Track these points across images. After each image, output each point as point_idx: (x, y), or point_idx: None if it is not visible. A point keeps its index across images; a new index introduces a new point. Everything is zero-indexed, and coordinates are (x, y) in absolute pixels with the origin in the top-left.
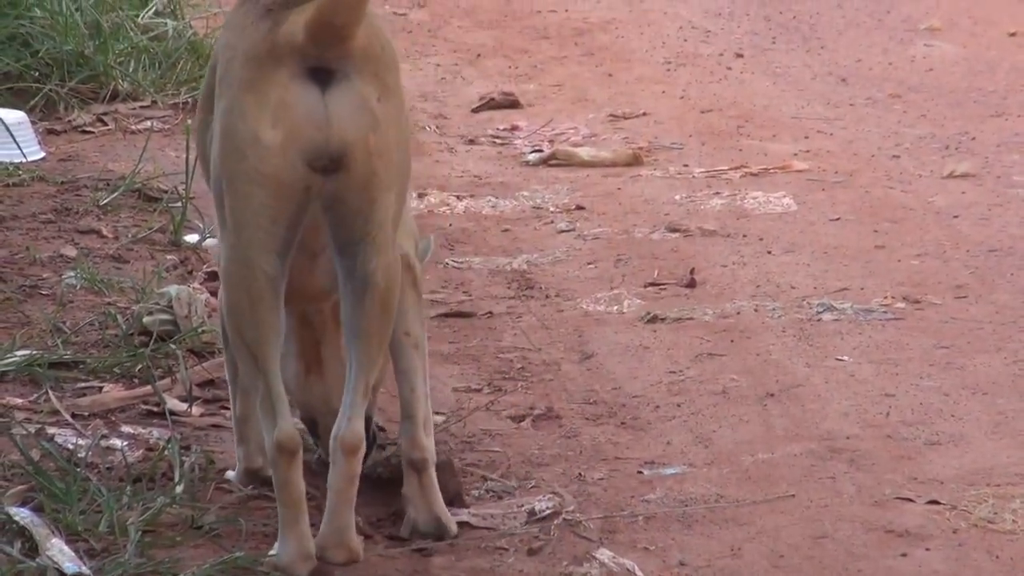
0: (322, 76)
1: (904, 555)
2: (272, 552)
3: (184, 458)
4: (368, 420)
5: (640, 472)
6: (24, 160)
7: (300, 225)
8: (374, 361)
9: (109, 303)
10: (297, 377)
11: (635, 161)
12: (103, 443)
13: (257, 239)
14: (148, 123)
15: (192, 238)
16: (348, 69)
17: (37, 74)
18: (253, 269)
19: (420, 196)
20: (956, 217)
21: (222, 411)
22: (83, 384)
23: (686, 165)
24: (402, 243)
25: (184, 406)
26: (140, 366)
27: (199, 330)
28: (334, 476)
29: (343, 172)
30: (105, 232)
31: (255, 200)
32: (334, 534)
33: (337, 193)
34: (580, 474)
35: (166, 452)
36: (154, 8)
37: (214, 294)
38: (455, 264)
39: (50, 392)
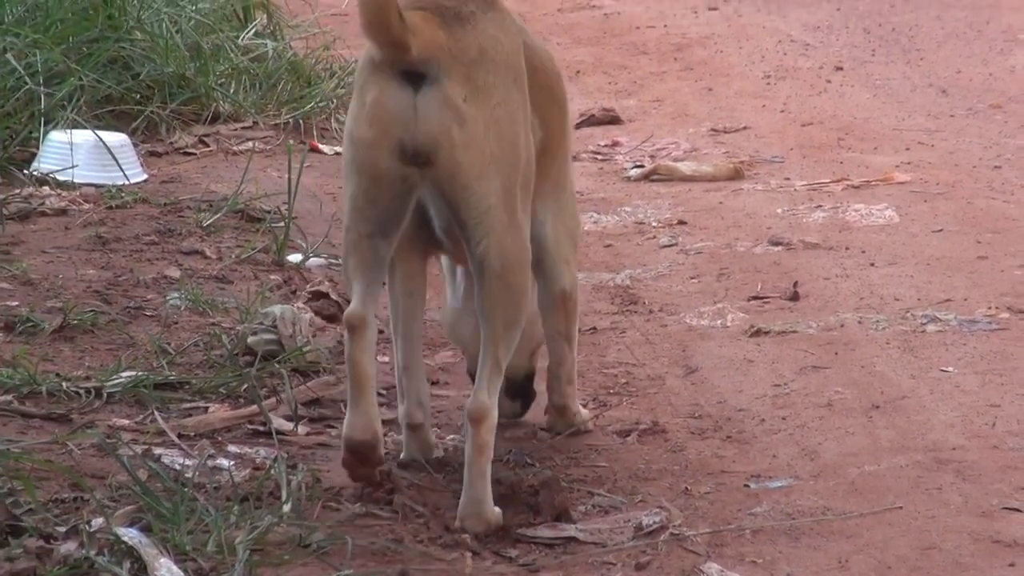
0: (415, 79)
1: (1012, 565)
2: None
3: (291, 477)
4: (529, 378)
5: (746, 485)
6: (127, 182)
7: (404, 208)
8: (500, 338)
9: (213, 323)
10: (453, 314)
11: (736, 175)
12: (209, 463)
13: (355, 214)
14: (249, 144)
15: (295, 258)
16: (437, 72)
17: (138, 96)
18: (351, 230)
19: None
20: None
21: (328, 430)
22: (189, 404)
23: (787, 178)
24: (564, 275)
25: (290, 425)
26: (245, 386)
27: (304, 349)
28: (467, 448)
29: (433, 165)
30: (208, 253)
31: (357, 185)
32: (469, 504)
33: (434, 183)
34: (686, 488)
35: (272, 471)
36: (254, 29)
37: (318, 313)
38: None
39: (156, 413)
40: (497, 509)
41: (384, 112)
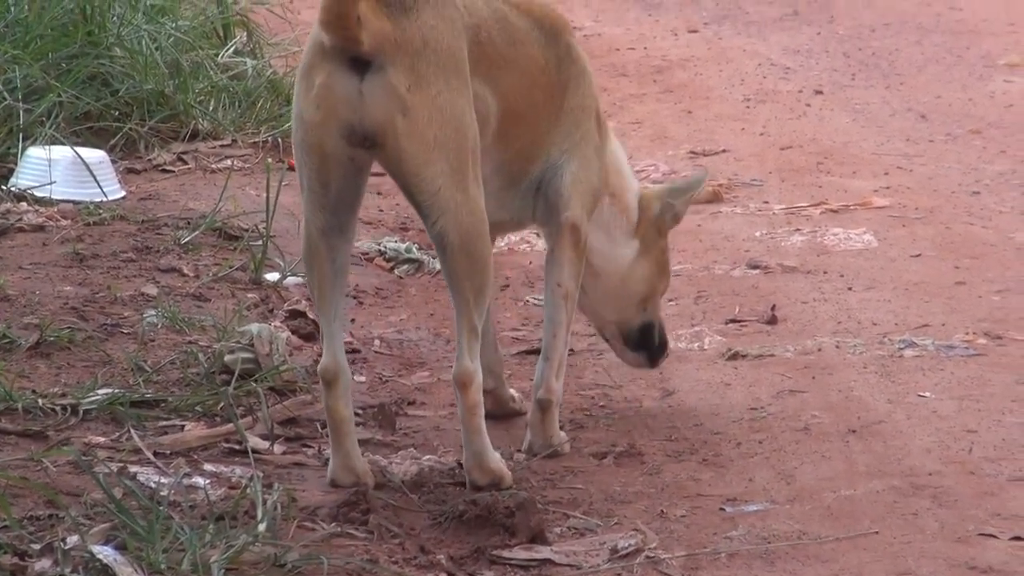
0: (361, 65)
1: None
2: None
3: (266, 496)
4: (647, 328)
5: (722, 509)
6: (105, 199)
7: (356, 192)
8: (472, 305)
9: (190, 341)
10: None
11: (715, 198)
12: (185, 481)
13: (311, 199)
14: (228, 162)
15: (273, 276)
16: (383, 61)
17: (117, 113)
18: (309, 224)
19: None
20: None
21: (304, 449)
22: (165, 422)
23: (766, 202)
24: (574, 206)
25: (266, 444)
26: (222, 404)
27: (280, 368)
28: (459, 410)
29: (379, 148)
30: (186, 271)
31: (308, 167)
32: (471, 458)
33: (384, 165)
34: (662, 511)
35: (248, 490)
36: (234, 47)
37: (295, 332)
38: (536, 301)
39: (132, 431)
40: (502, 462)
41: (331, 95)
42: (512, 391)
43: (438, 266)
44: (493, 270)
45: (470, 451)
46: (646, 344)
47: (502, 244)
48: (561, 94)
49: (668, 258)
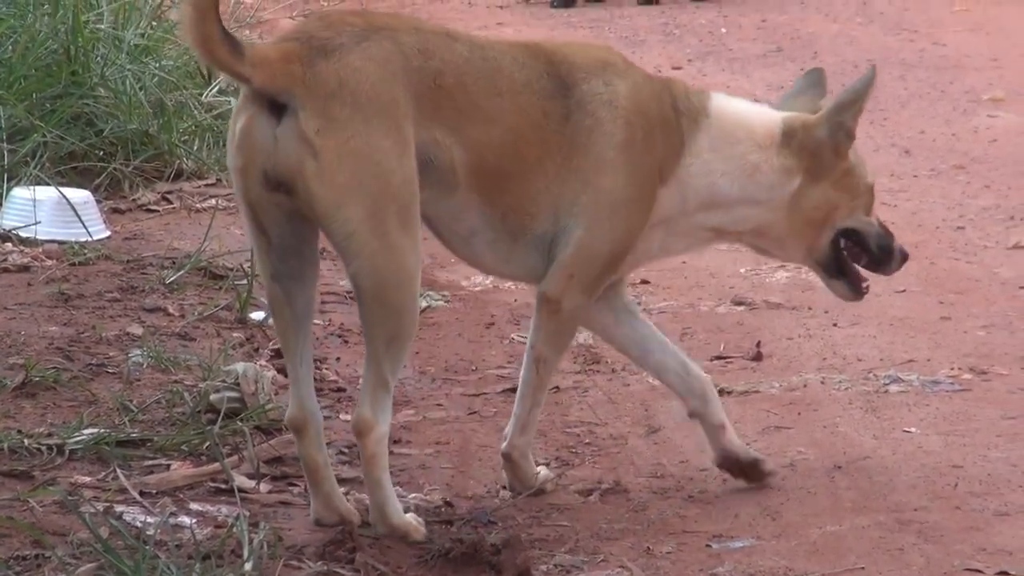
0: (279, 109)
1: None
2: None
3: (252, 535)
4: (834, 256)
5: (708, 545)
6: (90, 239)
7: (295, 238)
8: (383, 355)
9: (176, 381)
10: None
11: None
12: (171, 520)
13: (254, 244)
14: (212, 201)
15: (258, 315)
16: (295, 104)
17: (102, 153)
18: (261, 269)
19: None
20: (1022, 288)
21: (290, 488)
22: (151, 462)
23: None
24: (553, 279)
25: (252, 483)
26: (207, 443)
27: (266, 407)
28: (362, 460)
29: (293, 193)
30: (171, 310)
31: (244, 215)
32: (373, 510)
33: (299, 210)
34: (648, 548)
35: (234, 529)
36: (217, 86)
37: (280, 371)
38: (521, 339)
39: (118, 470)
40: (408, 515)
41: (249, 140)
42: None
43: (424, 304)
44: (413, 322)
45: (372, 503)
46: (842, 271)
47: (487, 282)
48: (566, 151)
49: (855, 176)
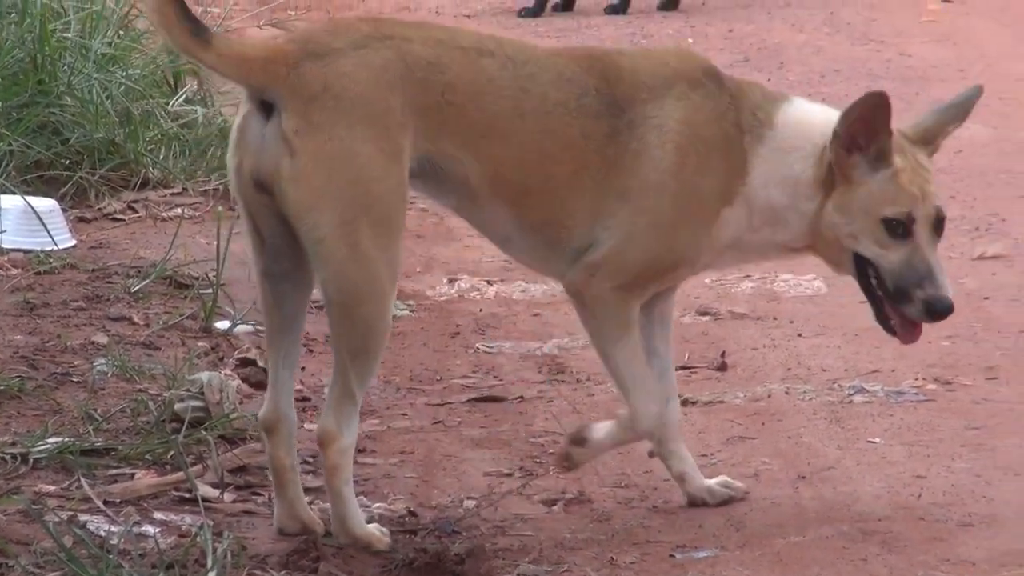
0: (268, 110)
1: None
2: None
3: (216, 544)
4: (862, 258)
5: (672, 556)
6: (55, 248)
7: (285, 240)
8: (349, 366)
9: (140, 390)
10: None
11: None
12: (135, 530)
13: (248, 240)
14: (178, 210)
15: (223, 324)
16: (281, 104)
17: (68, 162)
18: (255, 270)
19: (451, 281)
20: (987, 299)
21: (254, 497)
22: (115, 471)
23: None
24: (576, 271)
25: (216, 492)
26: (172, 453)
27: (231, 416)
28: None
29: (272, 194)
30: (136, 319)
31: (241, 213)
32: (334, 521)
33: (279, 210)
34: (612, 558)
35: (198, 538)
36: (184, 95)
37: (245, 380)
38: (486, 349)
39: (82, 479)
40: (371, 526)
41: (243, 138)
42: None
43: None
44: (381, 337)
45: (333, 513)
46: (865, 292)
47: (452, 292)
48: (606, 171)
49: (856, 200)
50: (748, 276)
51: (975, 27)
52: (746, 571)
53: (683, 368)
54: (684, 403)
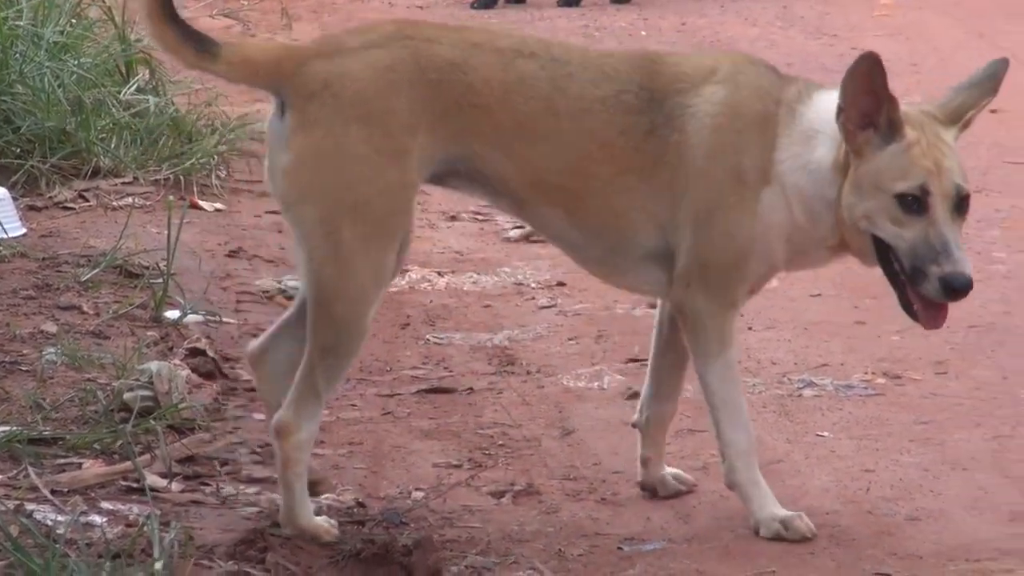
0: (284, 108)
1: None
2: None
3: (163, 534)
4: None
5: (620, 548)
6: (5, 236)
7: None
8: (317, 363)
9: (89, 379)
10: None
11: None
12: (82, 519)
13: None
14: (129, 199)
15: (173, 314)
16: (288, 102)
17: (19, 150)
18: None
19: (402, 272)
20: None
21: (202, 487)
22: (63, 460)
23: None
24: (675, 288)
25: (164, 482)
26: (120, 442)
27: (179, 406)
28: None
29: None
30: (86, 308)
31: None
32: (283, 511)
33: None
34: (560, 550)
35: (145, 528)
36: (136, 84)
37: (195, 370)
38: (436, 340)
39: (29, 468)
40: (319, 518)
41: (268, 135)
42: (669, 471)
43: None
44: (355, 341)
45: (283, 504)
46: (888, 278)
47: (402, 283)
48: (650, 167)
49: (867, 176)
50: None
51: (928, 21)
52: (693, 564)
53: (633, 361)
54: (634, 395)
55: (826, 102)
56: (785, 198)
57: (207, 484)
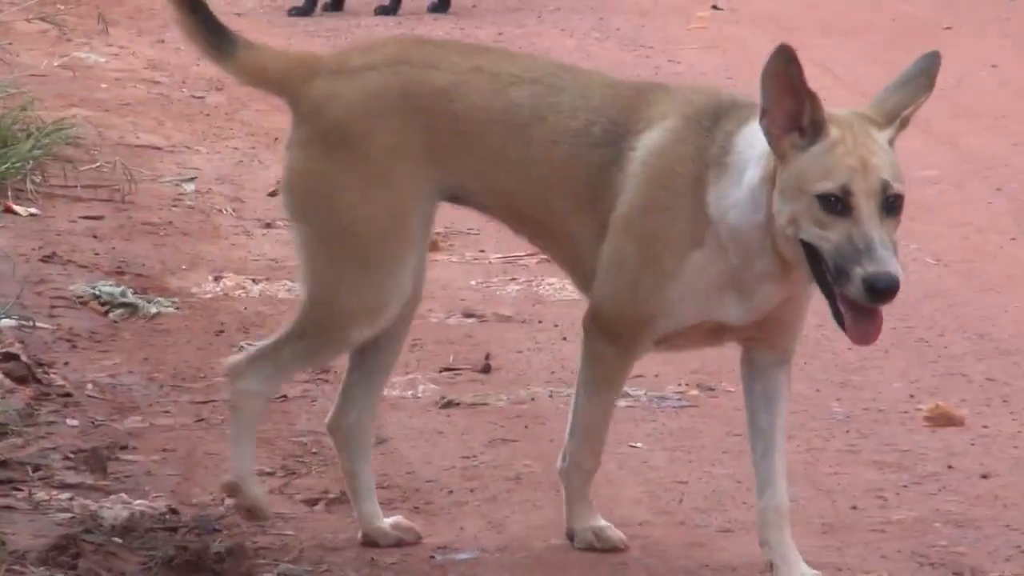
0: None
1: None
2: None
3: None
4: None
5: (432, 557)
6: None
7: None
8: (290, 337)
9: None
10: None
11: (432, 247)
12: None
13: None
14: None
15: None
16: (292, 116)
17: None
18: None
19: (216, 279)
20: None
21: (14, 492)
22: None
23: (482, 251)
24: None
25: None
26: None
27: None
28: None
29: None
30: None
31: None
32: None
33: None
34: (372, 559)
35: None
36: None
37: (8, 375)
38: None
39: None
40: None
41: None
42: None
43: (153, 310)
44: (330, 352)
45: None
46: (820, 287)
47: (217, 289)
48: (595, 203)
49: (791, 178)
50: (514, 279)
51: (743, 35)
52: (506, 573)
53: (447, 370)
54: (447, 404)
55: (752, 129)
56: (720, 250)
57: (19, 489)
